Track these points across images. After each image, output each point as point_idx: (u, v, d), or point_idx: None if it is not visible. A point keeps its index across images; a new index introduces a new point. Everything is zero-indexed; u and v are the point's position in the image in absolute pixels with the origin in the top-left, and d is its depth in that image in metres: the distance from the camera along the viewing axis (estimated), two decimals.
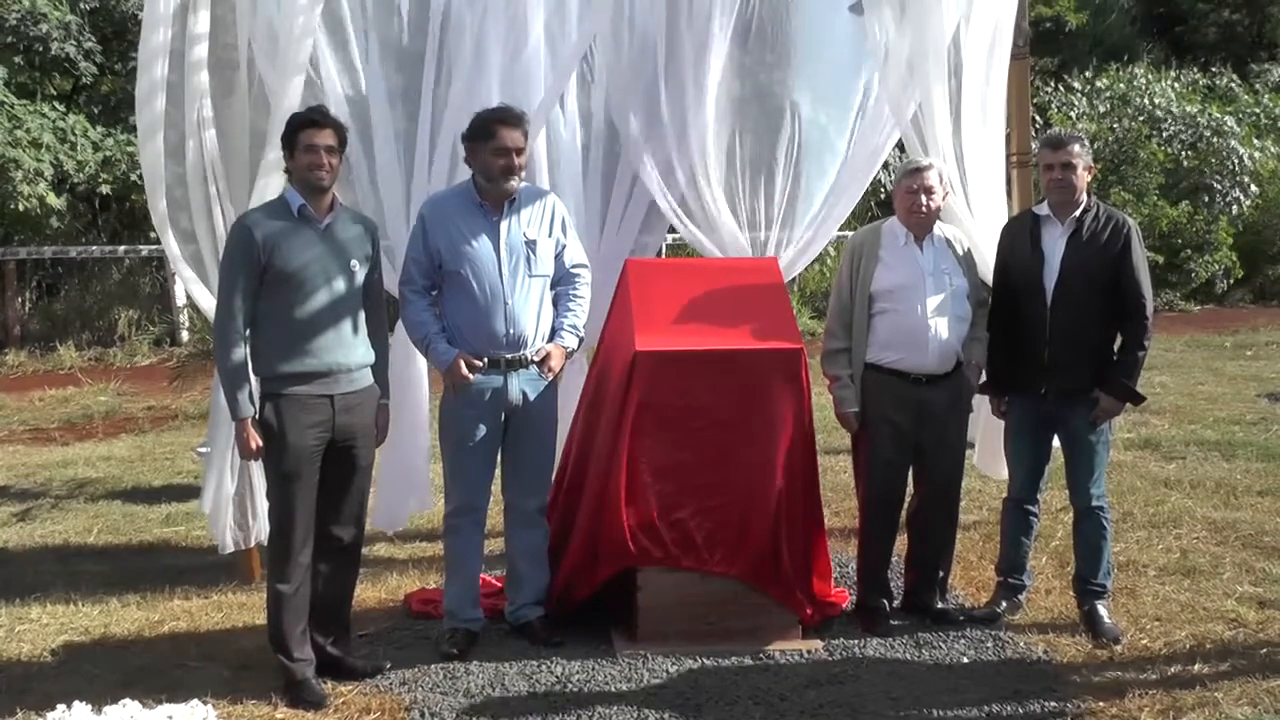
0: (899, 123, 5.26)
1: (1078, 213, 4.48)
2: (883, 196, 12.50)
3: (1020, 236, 4.64)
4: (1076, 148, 4.48)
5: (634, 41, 5.22)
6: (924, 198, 4.53)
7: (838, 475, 6.29)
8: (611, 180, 5.35)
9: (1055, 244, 4.50)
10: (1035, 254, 4.53)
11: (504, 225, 4.31)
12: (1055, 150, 4.48)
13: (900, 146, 5.60)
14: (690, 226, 5.33)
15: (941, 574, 4.76)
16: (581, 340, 4.55)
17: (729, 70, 5.38)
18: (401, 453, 5.08)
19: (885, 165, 10.02)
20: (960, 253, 4.64)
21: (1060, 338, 4.46)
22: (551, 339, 4.40)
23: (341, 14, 5.05)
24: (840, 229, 6.07)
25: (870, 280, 4.57)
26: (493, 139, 4.22)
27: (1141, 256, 4.45)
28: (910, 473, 4.71)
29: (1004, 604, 4.72)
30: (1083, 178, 4.49)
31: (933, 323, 4.49)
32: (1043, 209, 4.59)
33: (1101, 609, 4.54)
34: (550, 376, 4.38)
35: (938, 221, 4.69)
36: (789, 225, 5.57)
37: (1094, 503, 4.53)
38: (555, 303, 4.44)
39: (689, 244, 5.51)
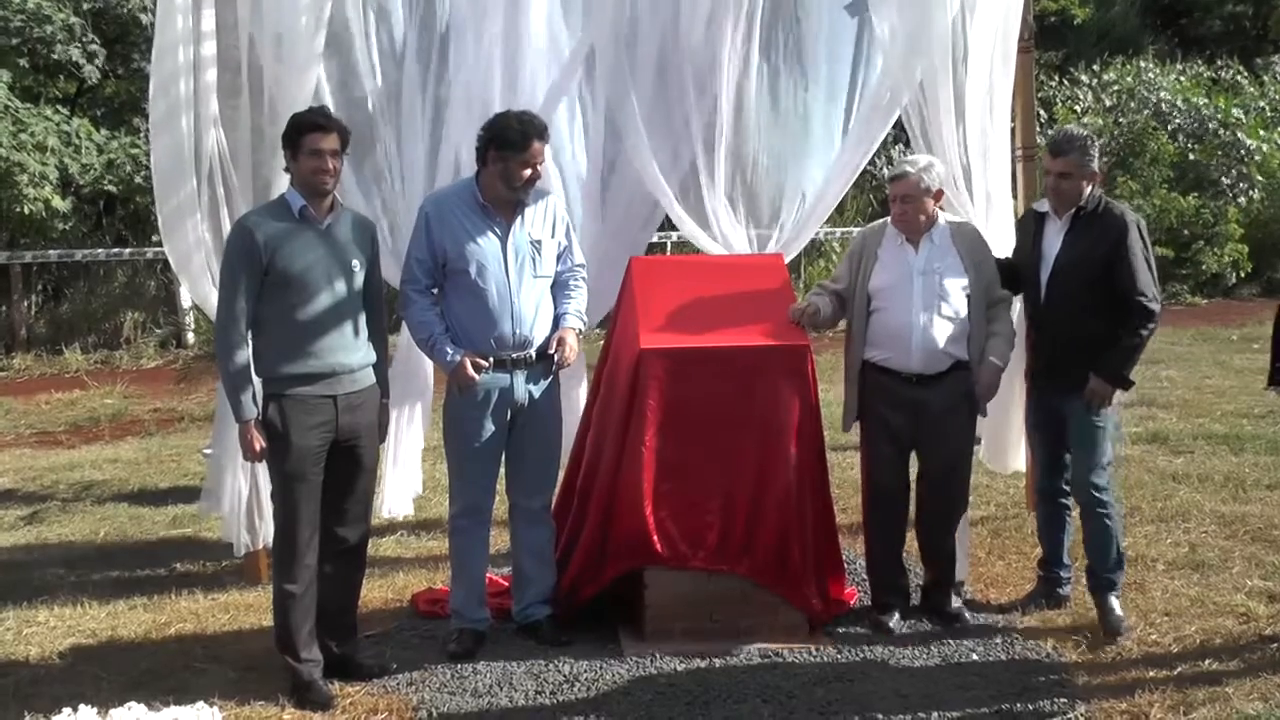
0: (896, 103, 5.23)
1: (1075, 209, 4.46)
2: (887, 192, 12.46)
3: (1024, 232, 4.72)
4: (1076, 158, 4.40)
5: (636, 39, 5.20)
6: (901, 205, 4.50)
7: (845, 472, 6.28)
8: (610, 178, 5.34)
9: (1053, 240, 4.50)
10: (1035, 249, 4.55)
11: (510, 225, 4.30)
12: (1054, 157, 4.45)
13: (905, 142, 5.59)
14: (691, 223, 5.33)
15: (952, 572, 4.73)
16: (585, 324, 4.54)
17: (733, 67, 5.37)
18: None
19: (889, 161, 10.06)
20: (967, 251, 4.57)
21: (1052, 331, 4.49)
22: (555, 326, 4.38)
23: (345, 15, 5.04)
24: (845, 227, 6.04)
25: (869, 278, 4.56)
26: (526, 150, 4.20)
27: (1139, 251, 4.37)
28: (915, 470, 4.70)
29: (1042, 600, 4.73)
30: (1081, 187, 4.43)
31: (918, 322, 4.45)
32: (1043, 205, 4.60)
33: (1113, 601, 4.51)
34: (570, 362, 4.37)
35: (950, 218, 4.66)
36: (787, 220, 5.56)
37: (1093, 494, 4.47)
38: (555, 295, 4.43)
39: (691, 241, 5.50)
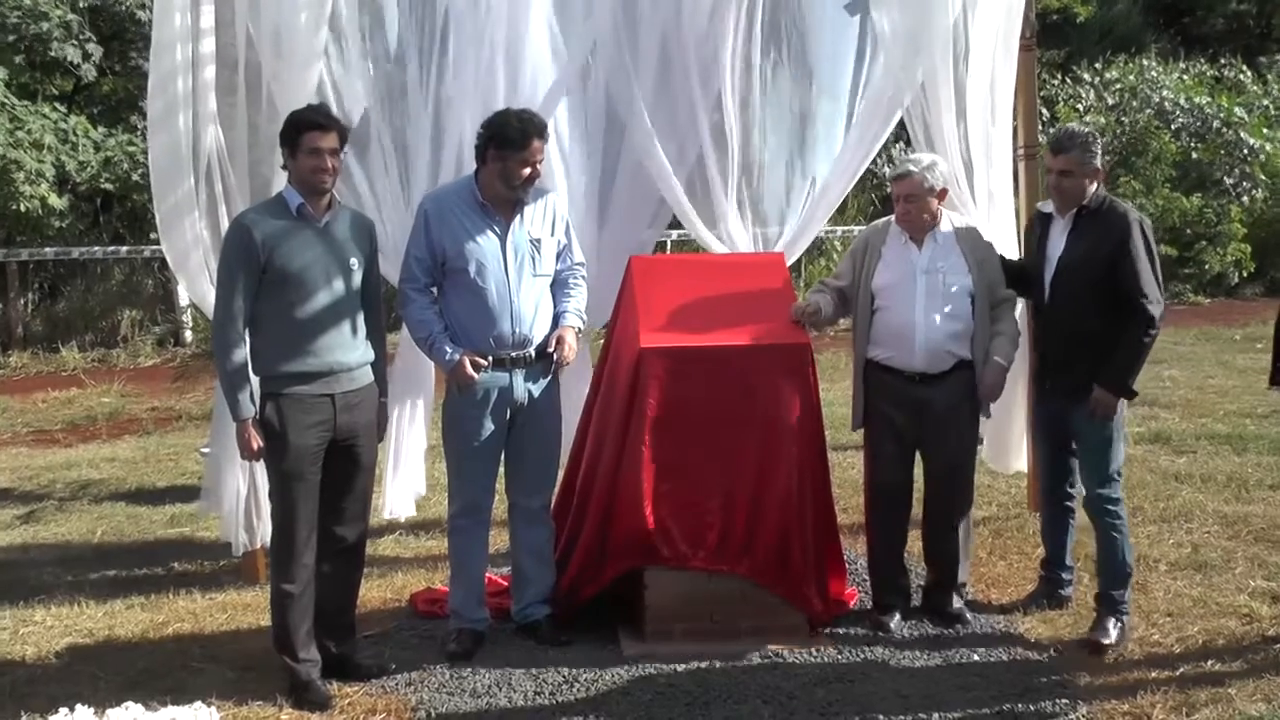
0: (898, 102, 5.22)
1: (1078, 208, 4.42)
2: (888, 191, 12.42)
3: (1031, 233, 4.70)
4: (1077, 155, 4.35)
5: (638, 35, 5.18)
6: (904, 204, 4.48)
7: (846, 472, 6.26)
8: (613, 175, 5.32)
9: (1057, 239, 4.47)
10: (1040, 250, 4.53)
11: (509, 224, 4.28)
12: (1055, 156, 4.41)
13: (906, 140, 5.57)
14: (696, 221, 5.31)
15: (954, 573, 4.71)
16: (584, 323, 4.52)
17: (736, 65, 5.34)
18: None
19: (890, 160, 10.04)
20: (971, 250, 4.54)
21: (1056, 333, 4.46)
22: (555, 325, 4.36)
23: (340, 11, 5.01)
24: (846, 225, 6.02)
25: (872, 276, 4.54)
26: (526, 149, 4.18)
27: (1142, 251, 4.31)
28: (920, 469, 4.68)
29: (1044, 600, 4.69)
30: (1083, 185, 4.38)
31: (920, 321, 4.43)
32: (1047, 205, 4.57)
33: (1110, 624, 4.34)
34: (569, 361, 4.34)
35: (953, 217, 4.64)
36: (791, 219, 5.54)
37: (1098, 502, 4.43)
38: (554, 294, 4.41)
39: (695, 239, 5.48)
